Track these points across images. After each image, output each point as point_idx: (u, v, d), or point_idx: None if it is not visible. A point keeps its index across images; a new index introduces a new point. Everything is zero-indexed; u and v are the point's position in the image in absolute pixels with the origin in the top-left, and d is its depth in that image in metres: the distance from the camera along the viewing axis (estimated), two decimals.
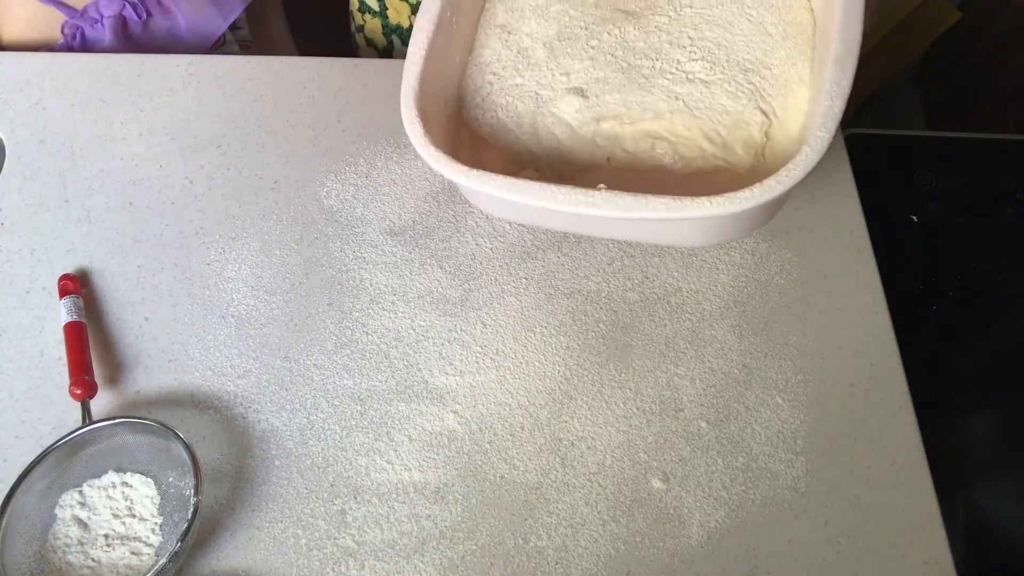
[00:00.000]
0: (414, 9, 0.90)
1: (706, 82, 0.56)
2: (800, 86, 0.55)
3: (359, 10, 0.95)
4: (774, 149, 0.54)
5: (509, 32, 0.60)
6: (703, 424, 0.57)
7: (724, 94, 0.55)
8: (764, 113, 0.54)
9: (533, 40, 0.60)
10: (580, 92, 0.57)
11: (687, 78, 0.56)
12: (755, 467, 0.55)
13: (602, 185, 0.48)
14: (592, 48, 0.58)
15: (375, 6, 0.92)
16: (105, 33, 0.80)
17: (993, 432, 0.74)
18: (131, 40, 0.83)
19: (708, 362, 0.60)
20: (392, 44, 0.95)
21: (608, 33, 0.59)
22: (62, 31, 0.80)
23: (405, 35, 0.93)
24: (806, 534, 0.53)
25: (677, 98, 0.56)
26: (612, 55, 0.58)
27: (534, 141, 0.57)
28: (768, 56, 0.56)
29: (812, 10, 0.57)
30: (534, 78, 0.58)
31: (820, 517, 0.54)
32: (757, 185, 0.46)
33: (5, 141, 0.73)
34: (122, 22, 0.81)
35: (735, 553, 0.52)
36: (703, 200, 0.46)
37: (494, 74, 0.59)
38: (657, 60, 0.57)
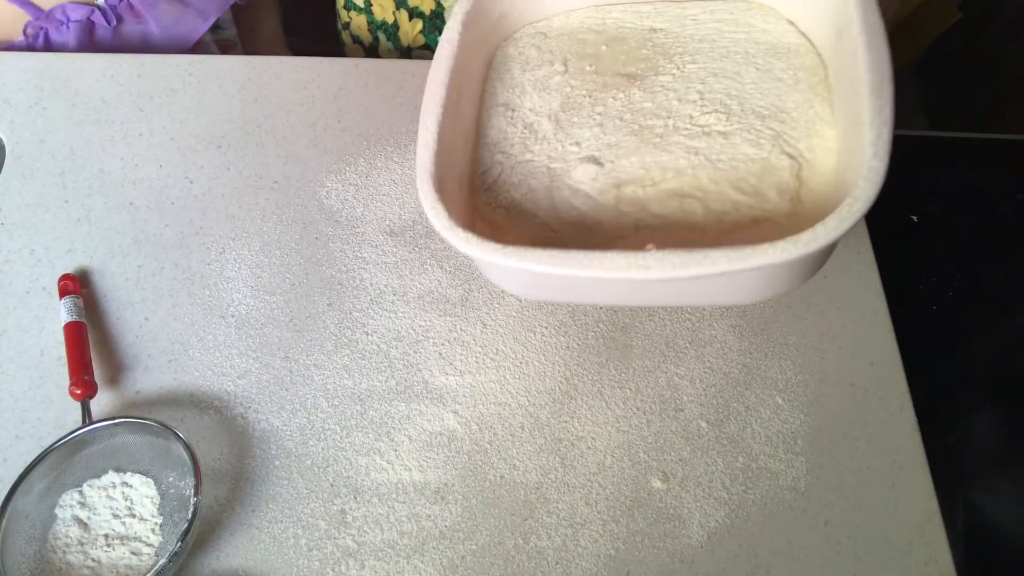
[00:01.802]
0: (398, 4, 0.91)
1: (724, 133, 0.53)
2: (824, 126, 0.52)
3: (344, 7, 0.96)
4: (810, 193, 0.51)
5: (512, 109, 0.58)
6: (703, 424, 0.57)
7: (745, 143, 0.52)
8: (791, 156, 0.52)
9: (537, 114, 0.57)
10: (594, 160, 0.54)
11: (703, 132, 0.53)
12: (755, 467, 0.55)
13: (651, 245, 0.45)
14: (599, 115, 0.56)
15: (360, 2, 0.93)
16: (70, 36, 0.78)
17: (993, 432, 0.74)
18: (99, 45, 0.81)
19: (708, 362, 0.60)
20: (378, 40, 0.95)
21: (613, 98, 0.56)
22: (24, 31, 0.78)
23: (390, 31, 0.94)
24: (806, 534, 0.53)
25: (696, 153, 0.53)
26: (620, 119, 0.56)
27: (553, 217, 0.53)
28: (783, 101, 0.54)
29: (820, 54, 0.55)
30: (544, 152, 0.55)
31: (820, 517, 0.54)
32: (820, 224, 0.43)
33: (5, 141, 0.73)
34: (90, 27, 0.79)
35: (735, 553, 0.52)
36: (765, 247, 0.43)
37: (503, 153, 0.56)
38: (668, 118, 0.55)
